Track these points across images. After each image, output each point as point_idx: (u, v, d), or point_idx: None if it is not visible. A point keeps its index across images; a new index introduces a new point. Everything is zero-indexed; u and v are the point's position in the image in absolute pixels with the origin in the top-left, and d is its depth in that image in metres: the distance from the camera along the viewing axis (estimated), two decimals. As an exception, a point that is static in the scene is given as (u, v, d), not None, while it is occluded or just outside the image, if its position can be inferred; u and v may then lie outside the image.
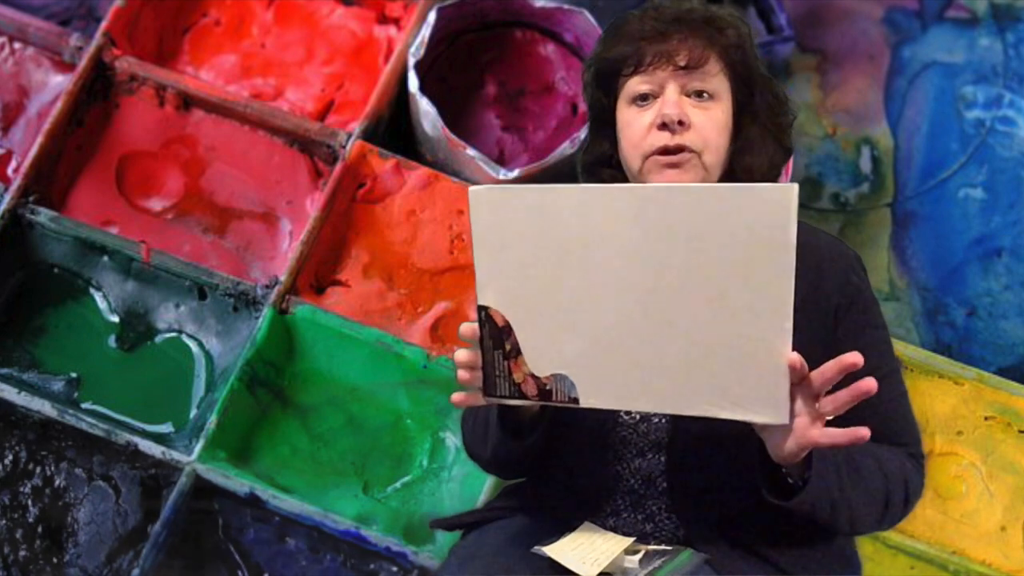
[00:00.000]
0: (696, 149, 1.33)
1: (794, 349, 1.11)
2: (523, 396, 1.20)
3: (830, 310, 1.33)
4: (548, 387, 1.19)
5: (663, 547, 1.31)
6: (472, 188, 1.18)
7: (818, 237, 1.40)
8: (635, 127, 1.36)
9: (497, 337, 1.20)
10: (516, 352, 1.19)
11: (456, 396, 1.24)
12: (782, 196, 1.08)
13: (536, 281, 1.18)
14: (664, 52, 1.34)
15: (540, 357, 1.20)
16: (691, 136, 1.33)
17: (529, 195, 1.17)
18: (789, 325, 1.10)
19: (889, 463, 1.29)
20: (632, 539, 1.30)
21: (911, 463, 1.32)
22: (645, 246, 1.14)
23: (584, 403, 1.19)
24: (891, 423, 1.32)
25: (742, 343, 1.12)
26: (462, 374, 1.22)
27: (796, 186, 1.10)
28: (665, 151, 1.34)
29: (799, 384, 1.11)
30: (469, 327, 1.20)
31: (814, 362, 1.13)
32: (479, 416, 1.41)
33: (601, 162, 1.49)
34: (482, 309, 1.19)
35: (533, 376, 1.19)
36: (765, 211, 1.09)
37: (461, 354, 1.22)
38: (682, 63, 1.34)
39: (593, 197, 1.15)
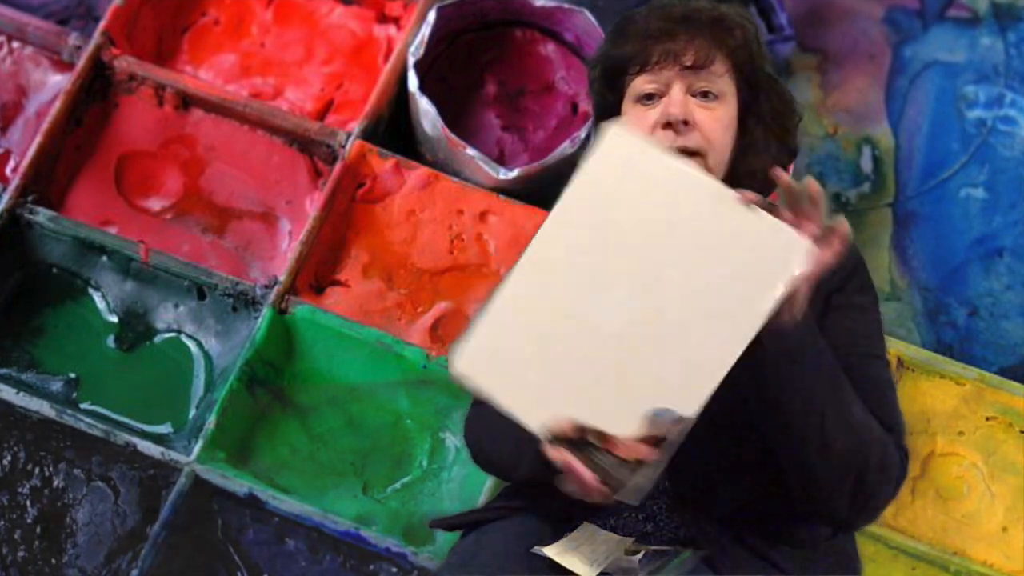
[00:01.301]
0: (700, 150, 1.32)
1: None
2: (648, 470, 1.16)
3: (822, 299, 1.33)
4: (663, 434, 1.16)
5: (663, 548, 1.31)
6: (612, 128, 1.22)
7: None
8: (639, 126, 1.36)
9: (581, 443, 1.17)
10: (603, 436, 1.16)
11: (600, 492, 1.19)
12: (791, 248, 1.15)
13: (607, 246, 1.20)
14: (670, 51, 1.34)
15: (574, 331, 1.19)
16: (695, 137, 1.33)
17: (660, 160, 1.20)
18: (740, 349, 1.14)
19: (874, 424, 1.26)
20: (632, 539, 1.30)
21: (895, 450, 1.28)
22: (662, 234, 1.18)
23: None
24: (873, 406, 1.29)
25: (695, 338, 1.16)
26: (597, 488, 1.19)
27: (808, 243, 1.15)
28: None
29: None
30: (561, 457, 1.17)
31: None
32: (506, 436, 1.34)
33: None
34: (545, 436, 1.18)
35: (637, 439, 1.16)
36: (773, 251, 1.15)
37: (578, 467, 1.18)
38: (688, 63, 1.34)
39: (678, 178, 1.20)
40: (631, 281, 1.18)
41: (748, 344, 1.16)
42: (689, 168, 1.21)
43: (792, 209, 1.20)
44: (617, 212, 1.19)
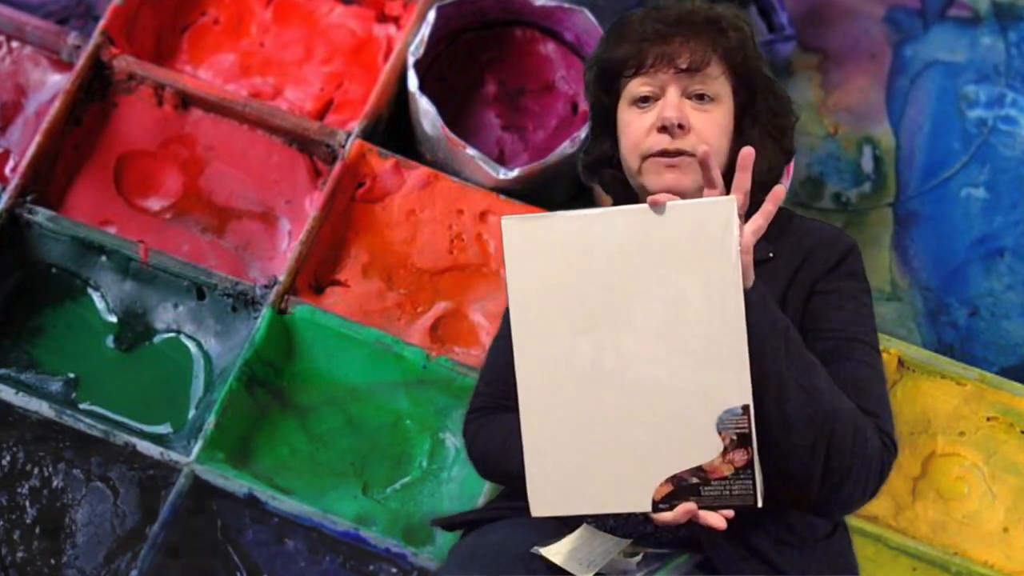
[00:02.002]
0: (696, 153, 1.32)
1: None
2: (751, 469, 1.18)
3: (808, 283, 1.33)
4: (741, 431, 1.17)
5: (662, 550, 1.31)
6: (505, 221, 1.21)
7: (813, 225, 1.41)
8: (635, 128, 1.36)
9: (684, 491, 1.19)
10: (698, 471, 1.18)
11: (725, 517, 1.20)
12: (721, 211, 1.15)
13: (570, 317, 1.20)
14: (666, 54, 1.34)
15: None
16: (691, 140, 1.33)
17: (560, 223, 1.20)
18: (743, 322, 1.15)
19: (845, 398, 1.24)
20: (630, 541, 1.30)
21: (874, 431, 1.26)
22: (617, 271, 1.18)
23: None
24: (856, 389, 1.27)
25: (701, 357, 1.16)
26: (724, 516, 1.20)
27: (734, 198, 1.16)
28: (664, 154, 1.34)
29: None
30: (680, 512, 1.18)
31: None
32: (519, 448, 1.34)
33: (602, 162, 1.49)
34: (653, 507, 1.19)
35: (723, 453, 1.17)
36: (709, 225, 1.15)
37: (702, 512, 1.20)
38: (683, 66, 1.34)
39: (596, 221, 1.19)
40: (617, 337, 1.19)
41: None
42: (592, 212, 1.21)
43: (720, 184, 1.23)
44: (562, 288, 1.20)
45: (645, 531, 1.33)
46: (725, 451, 1.17)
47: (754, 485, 1.17)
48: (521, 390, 1.22)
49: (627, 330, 1.18)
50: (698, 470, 1.18)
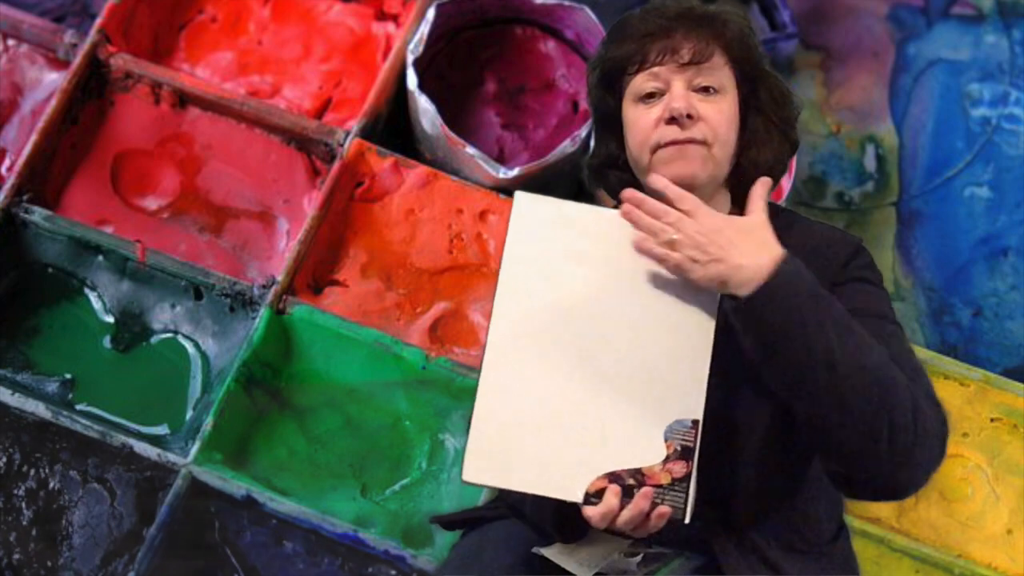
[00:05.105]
0: (707, 140, 1.32)
1: None
2: (687, 483, 1.18)
3: (827, 285, 1.32)
4: (686, 443, 1.18)
5: (662, 550, 1.31)
6: (520, 194, 1.25)
7: (815, 226, 1.40)
8: (642, 123, 1.36)
9: (623, 489, 1.18)
10: (637, 473, 1.19)
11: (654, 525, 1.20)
12: None
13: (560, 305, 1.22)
14: (668, 48, 1.34)
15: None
16: (701, 128, 1.33)
17: (570, 210, 1.24)
18: (711, 332, 1.19)
19: (896, 368, 1.20)
20: (630, 541, 1.30)
21: (925, 399, 1.21)
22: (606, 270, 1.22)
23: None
24: (895, 362, 1.22)
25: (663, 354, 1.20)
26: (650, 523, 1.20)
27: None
28: (674, 143, 1.33)
29: None
30: (604, 507, 1.18)
31: None
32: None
33: (608, 164, 1.48)
34: (584, 499, 1.19)
35: (665, 461, 1.18)
36: None
37: (626, 507, 1.19)
38: (687, 58, 1.34)
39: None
40: (593, 328, 1.21)
41: (720, 326, 1.20)
42: (602, 209, 1.24)
43: None
44: (553, 268, 1.23)
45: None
46: (667, 459, 1.18)
47: (686, 500, 1.18)
48: (488, 353, 1.22)
49: (604, 323, 1.21)
50: (637, 472, 1.19)
